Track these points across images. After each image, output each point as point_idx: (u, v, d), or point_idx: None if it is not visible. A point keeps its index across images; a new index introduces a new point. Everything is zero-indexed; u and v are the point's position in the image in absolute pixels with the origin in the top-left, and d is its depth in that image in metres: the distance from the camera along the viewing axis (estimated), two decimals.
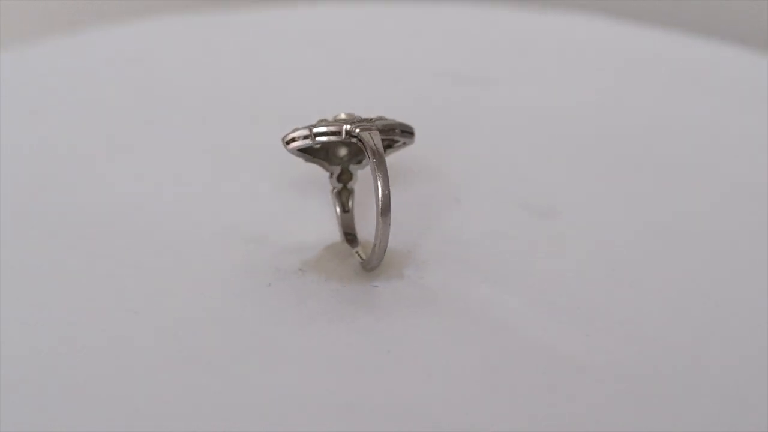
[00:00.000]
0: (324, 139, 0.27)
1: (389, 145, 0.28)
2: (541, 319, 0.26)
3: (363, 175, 0.29)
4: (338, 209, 0.28)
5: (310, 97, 0.35)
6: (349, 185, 0.29)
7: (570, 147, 0.33)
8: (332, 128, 0.27)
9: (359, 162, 0.28)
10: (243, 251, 0.28)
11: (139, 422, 0.22)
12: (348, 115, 0.28)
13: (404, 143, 0.28)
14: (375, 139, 0.26)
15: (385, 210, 0.25)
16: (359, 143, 0.26)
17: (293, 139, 0.27)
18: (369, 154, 0.26)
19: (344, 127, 0.27)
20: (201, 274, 0.27)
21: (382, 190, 0.25)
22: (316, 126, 0.27)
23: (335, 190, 0.28)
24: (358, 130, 0.26)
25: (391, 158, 0.28)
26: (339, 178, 0.28)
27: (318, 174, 0.29)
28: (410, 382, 0.24)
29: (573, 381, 0.24)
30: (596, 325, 0.26)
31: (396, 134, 0.27)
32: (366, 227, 0.29)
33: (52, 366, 0.24)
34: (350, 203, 0.29)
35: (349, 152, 0.28)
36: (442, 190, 0.31)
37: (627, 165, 0.32)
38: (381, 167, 0.25)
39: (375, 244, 0.26)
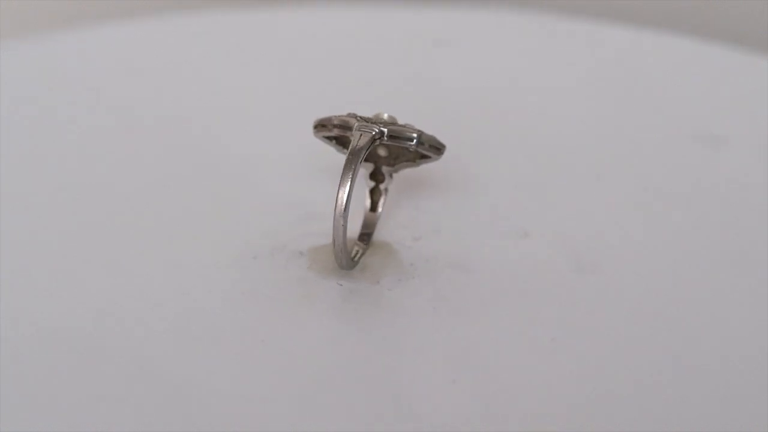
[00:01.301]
0: (337, 130, 0.27)
1: (422, 156, 0.28)
2: (427, 375, 0.24)
3: (404, 180, 0.29)
4: (368, 206, 0.29)
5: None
6: (382, 185, 0.29)
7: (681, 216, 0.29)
8: (342, 122, 0.27)
9: (393, 165, 0.28)
10: (270, 224, 0.29)
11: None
12: (390, 117, 0.28)
13: (431, 157, 0.27)
14: (361, 140, 0.26)
15: (339, 210, 0.25)
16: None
17: (319, 125, 0.28)
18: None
19: (355, 124, 0.27)
20: (215, 233, 0.29)
21: (340, 190, 0.25)
22: (337, 117, 0.27)
23: (369, 188, 0.29)
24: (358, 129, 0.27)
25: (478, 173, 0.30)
26: (372, 176, 0.29)
27: None
28: (252, 371, 0.24)
29: None
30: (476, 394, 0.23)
31: (410, 144, 0.27)
32: (387, 229, 0.29)
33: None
34: (380, 203, 0.29)
35: (389, 154, 0.28)
36: (512, 221, 0.30)
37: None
38: (347, 167, 0.26)
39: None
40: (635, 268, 0.27)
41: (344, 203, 0.25)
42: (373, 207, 0.29)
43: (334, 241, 0.26)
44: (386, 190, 0.29)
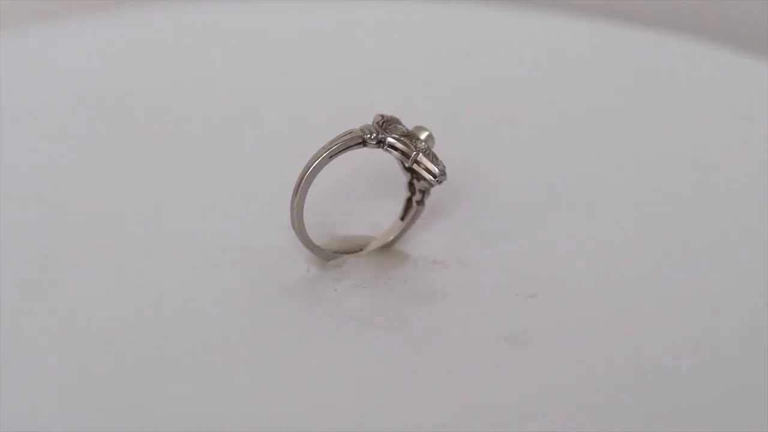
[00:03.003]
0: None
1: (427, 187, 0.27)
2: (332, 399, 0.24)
3: (478, 203, 0.30)
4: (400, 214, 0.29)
5: None
6: (414, 197, 0.28)
7: None
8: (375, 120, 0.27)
9: (419, 180, 0.28)
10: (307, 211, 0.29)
11: None
12: (429, 136, 0.27)
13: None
14: (344, 138, 0.26)
15: (293, 194, 0.26)
16: None
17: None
18: None
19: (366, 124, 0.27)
20: (261, 203, 0.30)
21: (299, 176, 0.26)
22: (379, 116, 0.28)
23: (406, 197, 0.28)
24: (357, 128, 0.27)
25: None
26: (409, 187, 0.28)
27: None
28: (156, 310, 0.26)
29: None
30: None
31: (405, 160, 0.26)
32: (422, 243, 0.29)
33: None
34: (410, 214, 0.28)
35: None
36: (538, 278, 0.27)
37: None
38: (312, 158, 0.26)
39: None
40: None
41: (297, 189, 0.26)
42: (403, 216, 0.28)
43: (291, 224, 0.27)
44: (419, 203, 0.28)
